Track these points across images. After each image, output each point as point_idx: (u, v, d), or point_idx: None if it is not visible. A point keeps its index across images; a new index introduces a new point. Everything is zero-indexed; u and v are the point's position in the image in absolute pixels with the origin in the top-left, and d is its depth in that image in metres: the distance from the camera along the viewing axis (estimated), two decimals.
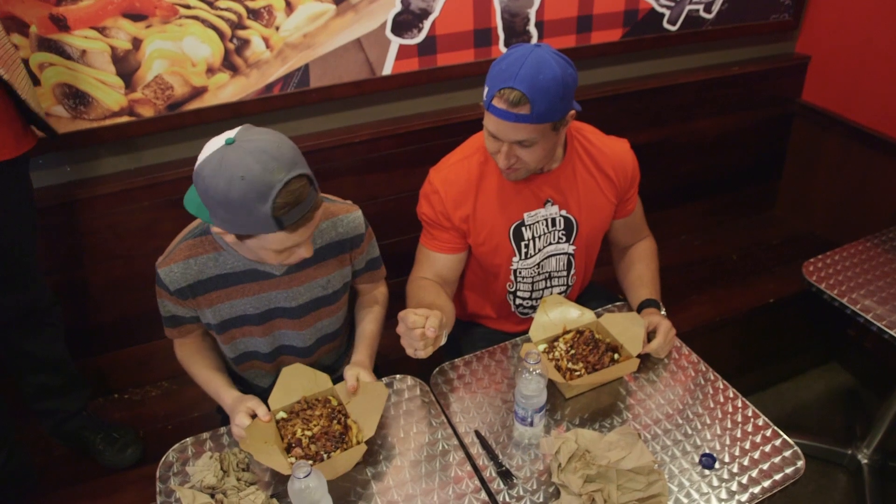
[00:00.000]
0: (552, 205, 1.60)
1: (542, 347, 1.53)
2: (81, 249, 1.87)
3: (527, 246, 1.62)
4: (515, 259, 1.63)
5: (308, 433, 1.32)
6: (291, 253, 1.24)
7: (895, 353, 1.80)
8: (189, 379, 1.51)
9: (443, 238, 1.60)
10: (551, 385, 1.45)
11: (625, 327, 1.53)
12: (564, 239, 1.65)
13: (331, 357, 1.63)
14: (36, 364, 1.76)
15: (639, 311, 1.63)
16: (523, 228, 1.60)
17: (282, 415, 1.38)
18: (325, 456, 1.28)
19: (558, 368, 1.46)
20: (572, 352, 1.50)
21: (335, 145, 2.01)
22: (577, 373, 1.45)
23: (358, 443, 1.30)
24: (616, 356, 1.49)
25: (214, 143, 1.14)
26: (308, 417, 1.35)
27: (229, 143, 1.11)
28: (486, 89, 1.38)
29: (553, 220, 1.62)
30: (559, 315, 1.58)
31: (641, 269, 1.73)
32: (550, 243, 1.64)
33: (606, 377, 1.45)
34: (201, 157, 1.14)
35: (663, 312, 1.63)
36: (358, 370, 1.40)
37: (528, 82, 1.31)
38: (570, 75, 1.36)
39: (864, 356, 2.64)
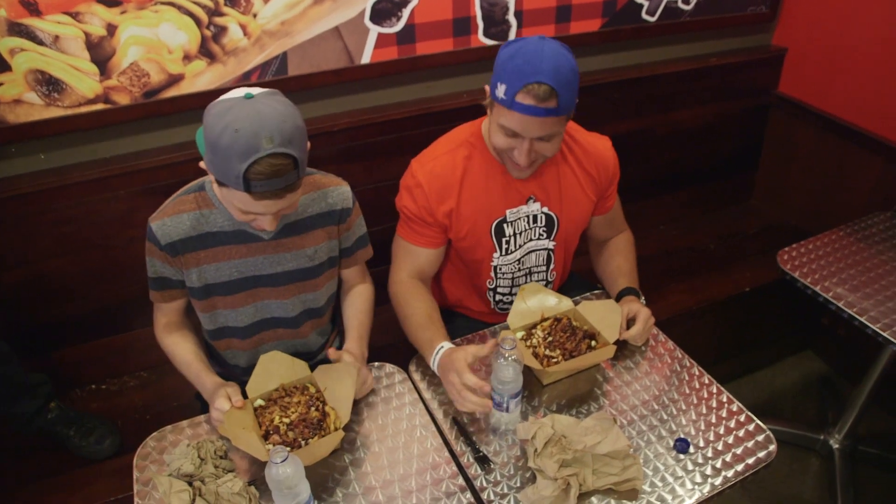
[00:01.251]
0: (534, 202, 1.60)
1: (519, 335, 1.54)
2: (57, 238, 1.84)
3: (507, 242, 1.62)
4: (496, 255, 1.63)
5: (286, 420, 1.32)
6: (254, 218, 1.27)
7: (867, 341, 1.83)
8: (168, 369, 1.50)
9: (425, 233, 1.59)
10: (529, 372, 1.47)
11: (602, 315, 1.54)
12: (545, 235, 1.65)
13: (318, 338, 1.63)
14: None
15: (618, 299, 1.64)
16: (505, 225, 1.60)
17: (259, 402, 1.38)
18: (302, 443, 1.28)
19: (536, 355, 1.47)
20: (550, 339, 1.51)
21: (314, 134, 1.97)
22: (555, 360, 1.46)
23: (336, 429, 1.30)
24: (593, 343, 1.50)
25: (236, 92, 1.18)
26: (286, 405, 1.35)
27: (248, 97, 1.16)
28: (501, 87, 1.34)
29: (534, 216, 1.62)
30: (537, 302, 1.59)
31: (620, 260, 1.74)
32: (531, 239, 1.65)
33: (583, 364, 1.47)
34: (224, 96, 1.19)
35: (643, 300, 1.64)
36: (345, 353, 1.42)
37: (553, 75, 1.31)
38: (576, 65, 1.38)
39: (837, 344, 2.69)
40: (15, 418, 1.79)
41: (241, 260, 1.40)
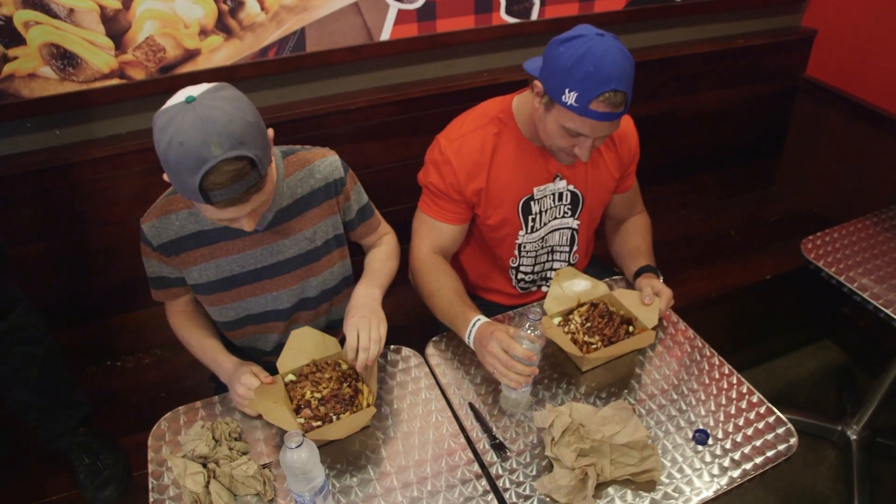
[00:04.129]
0: (560, 179, 1.59)
1: (557, 320, 1.53)
2: (72, 215, 1.84)
3: (534, 220, 1.61)
4: (521, 233, 1.61)
5: (317, 395, 1.32)
6: (231, 222, 1.20)
7: (889, 332, 1.80)
8: (183, 347, 1.49)
9: (451, 209, 1.56)
10: (567, 359, 1.47)
11: (639, 300, 1.53)
12: (570, 213, 1.64)
13: (338, 312, 1.59)
14: (10, 382, 1.62)
15: (637, 276, 1.63)
16: (532, 202, 1.58)
17: (291, 377, 1.38)
18: (334, 417, 1.28)
19: (575, 342, 1.46)
20: (588, 325, 1.50)
21: (331, 112, 1.98)
22: (594, 346, 1.45)
23: (368, 406, 1.30)
24: (630, 329, 1.49)
25: (178, 96, 1.09)
26: (317, 380, 1.35)
27: (189, 101, 1.07)
28: (572, 94, 1.30)
29: (560, 194, 1.60)
30: (572, 287, 1.58)
31: (638, 240, 1.72)
32: (556, 217, 1.64)
33: (623, 350, 1.45)
34: (168, 102, 1.09)
35: (661, 280, 1.62)
36: (357, 321, 1.33)
37: (626, 80, 1.29)
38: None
39: (857, 334, 2.65)
40: (40, 431, 1.73)
41: (240, 255, 1.37)
